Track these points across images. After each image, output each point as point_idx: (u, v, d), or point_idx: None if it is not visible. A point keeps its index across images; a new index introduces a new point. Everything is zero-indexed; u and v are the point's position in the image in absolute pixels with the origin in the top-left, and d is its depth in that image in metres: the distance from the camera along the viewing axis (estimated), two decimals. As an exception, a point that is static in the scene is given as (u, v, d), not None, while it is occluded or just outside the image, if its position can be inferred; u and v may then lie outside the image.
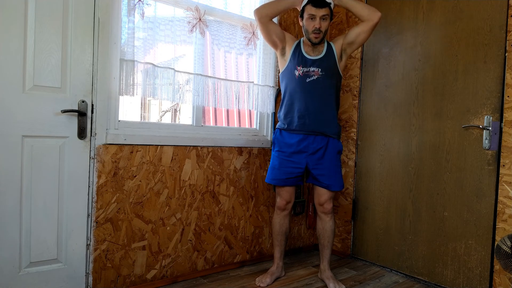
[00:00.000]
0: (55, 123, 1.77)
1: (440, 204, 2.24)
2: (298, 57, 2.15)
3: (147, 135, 2.06)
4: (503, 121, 1.98)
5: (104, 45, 1.87)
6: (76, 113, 1.82)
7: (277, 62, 2.43)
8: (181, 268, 2.22)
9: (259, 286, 2.18)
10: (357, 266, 2.57)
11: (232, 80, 2.42)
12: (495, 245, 1.88)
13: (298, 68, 2.14)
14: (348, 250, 2.77)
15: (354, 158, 2.74)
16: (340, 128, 2.22)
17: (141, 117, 6.00)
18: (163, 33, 2.09)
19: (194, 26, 2.19)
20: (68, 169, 1.82)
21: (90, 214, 1.89)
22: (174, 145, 2.15)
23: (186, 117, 5.45)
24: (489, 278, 2.03)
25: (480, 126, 2.05)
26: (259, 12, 2.11)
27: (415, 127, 2.37)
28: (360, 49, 2.67)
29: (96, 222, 1.90)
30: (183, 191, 2.19)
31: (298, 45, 2.19)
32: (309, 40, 2.13)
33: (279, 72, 2.34)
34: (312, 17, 2.06)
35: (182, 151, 2.18)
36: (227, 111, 5.05)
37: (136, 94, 2.00)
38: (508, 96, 1.96)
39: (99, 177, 1.89)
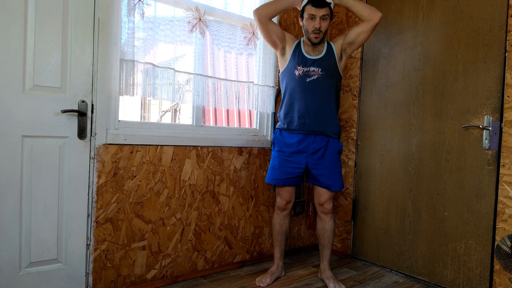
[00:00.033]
0: (55, 123, 1.77)
1: (440, 204, 2.24)
2: (298, 57, 2.15)
3: (147, 135, 2.06)
4: (503, 121, 1.98)
5: (104, 45, 1.87)
6: (76, 113, 1.82)
7: (277, 62, 2.44)
8: (181, 268, 2.22)
9: (259, 286, 2.18)
10: (357, 266, 2.57)
11: (232, 80, 2.42)
12: (495, 245, 1.88)
13: (298, 68, 2.14)
14: (348, 250, 2.77)
15: (354, 158, 2.74)
16: (340, 128, 2.22)
17: (141, 117, 6.00)
18: (163, 33, 2.09)
19: (194, 26, 2.19)
20: (68, 169, 1.82)
21: (90, 214, 1.89)
22: (174, 145, 2.15)
23: (186, 117, 5.45)
24: (489, 278, 2.03)
25: (480, 126, 2.05)
26: (258, 12, 2.11)
27: (415, 127, 2.37)
28: (360, 49, 2.67)
29: (96, 222, 1.90)
30: (183, 191, 2.19)
31: (298, 45, 2.19)
32: (309, 40, 2.13)
33: (279, 72, 2.34)
34: (312, 17, 2.06)
35: (182, 151, 2.18)
36: (227, 111, 5.05)
37: (136, 94, 2.00)
38: (508, 96, 1.96)
39: (99, 177, 1.89)
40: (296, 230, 2.83)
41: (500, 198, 1.98)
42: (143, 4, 1.97)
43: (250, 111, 2.94)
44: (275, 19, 2.53)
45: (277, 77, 2.57)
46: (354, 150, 2.74)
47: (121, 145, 1.95)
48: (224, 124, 5.09)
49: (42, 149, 1.75)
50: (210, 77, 2.30)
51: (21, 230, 1.72)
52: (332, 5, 2.09)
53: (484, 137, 2.04)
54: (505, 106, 1.97)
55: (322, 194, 2.19)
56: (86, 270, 1.90)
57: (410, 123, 2.40)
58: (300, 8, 2.13)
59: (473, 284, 2.09)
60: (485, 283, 2.04)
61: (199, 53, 2.24)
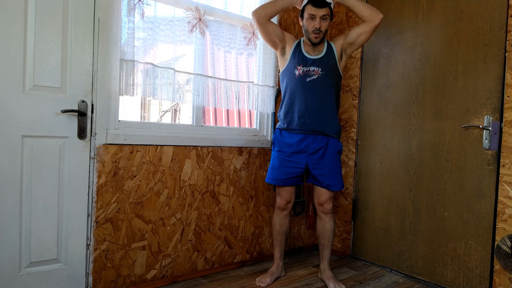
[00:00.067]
0: (55, 123, 1.77)
1: (440, 204, 2.24)
2: (298, 57, 2.15)
3: (147, 135, 2.06)
4: (503, 121, 1.98)
5: (104, 45, 1.87)
6: (76, 113, 1.82)
7: (277, 62, 2.44)
8: (181, 268, 2.22)
9: (259, 286, 2.18)
10: (357, 266, 2.57)
11: (232, 80, 2.42)
12: (495, 245, 1.88)
13: (298, 67, 2.14)
14: (348, 250, 2.77)
15: (354, 158, 2.74)
16: (340, 128, 2.22)
17: (141, 117, 5.99)
18: (163, 33, 2.09)
19: (194, 26, 2.19)
20: (68, 169, 1.82)
21: (90, 214, 1.89)
22: (174, 145, 2.15)
23: (186, 117, 5.45)
24: (489, 278, 2.03)
25: (480, 126, 2.05)
26: (257, 13, 2.11)
27: (415, 127, 2.37)
28: (360, 49, 2.67)
29: (96, 222, 1.90)
30: (183, 191, 2.19)
31: (298, 44, 2.19)
32: (309, 40, 2.13)
33: (279, 72, 2.34)
34: (312, 17, 2.06)
35: (182, 151, 2.18)
36: (227, 111, 5.05)
37: (136, 94, 2.00)
38: (508, 96, 1.96)
39: (99, 177, 1.89)
40: (296, 230, 2.83)
41: (500, 198, 1.98)
42: (143, 4, 1.97)
43: (250, 111, 2.94)
44: (275, 19, 2.53)
45: (277, 77, 2.57)
46: (354, 150, 2.74)
47: (121, 145, 1.95)
48: (224, 124, 5.09)
49: (42, 149, 1.75)
50: (210, 77, 2.30)
51: (21, 230, 1.72)
52: (332, 5, 2.09)
53: (484, 137, 2.04)
54: (505, 106, 1.97)
55: (322, 194, 2.19)
56: (86, 270, 1.90)
57: (410, 123, 2.40)
58: (299, 7, 2.13)
59: (473, 284, 2.09)
60: (485, 283, 2.04)
61: (199, 53, 2.24)
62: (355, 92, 2.73)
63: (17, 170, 1.69)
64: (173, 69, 2.11)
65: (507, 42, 1.96)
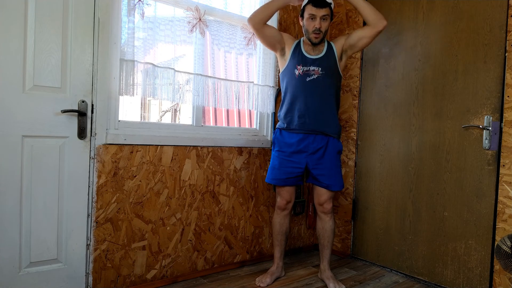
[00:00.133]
0: (55, 123, 1.77)
1: (440, 204, 2.24)
2: (298, 56, 2.15)
3: (147, 135, 2.06)
4: (503, 121, 1.98)
5: (104, 45, 1.87)
6: (76, 113, 1.82)
7: (277, 62, 2.44)
8: (181, 268, 2.22)
9: (259, 286, 2.18)
10: (357, 266, 2.57)
11: (232, 80, 2.42)
12: (495, 245, 1.88)
13: (298, 67, 2.14)
14: (348, 250, 2.77)
15: (354, 158, 2.74)
16: (340, 127, 2.22)
17: (141, 117, 6.00)
18: (163, 33, 2.09)
19: (194, 26, 2.19)
20: (68, 169, 1.82)
21: (90, 214, 1.89)
22: (174, 145, 2.15)
23: (186, 117, 5.45)
24: (489, 278, 2.03)
25: (480, 126, 2.05)
26: (252, 20, 2.10)
27: (415, 127, 2.37)
28: (360, 49, 2.68)
29: (96, 222, 1.90)
30: (183, 191, 2.19)
31: (298, 44, 2.19)
32: (309, 40, 2.13)
33: (279, 72, 2.34)
34: (312, 17, 2.07)
35: (182, 151, 2.18)
36: (227, 111, 5.05)
37: (136, 94, 2.00)
38: (508, 96, 1.96)
39: (99, 177, 1.89)
40: (296, 230, 2.83)
41: (500, 198, 1.98)
42: (143, 4, 1.97)
43: (250, 111, 2.94)
44: (274, 19, 2.53)
45: (277, 77, 2.57)
46: (354, 150, 2.74)
47: (121, 145, 1.95)
48: (224, 124, 5.09)
49: (42, 149, 1.75)
50: (210, 77, 2.30)
51: (21, 230, 1.72)
52: (332, 5, 2.09)
53: (484, 137, 2.04)
54: (505, 106, 1.97)
55: (322, 194, 2.19)
56: (86, 270, 1.90)
57: (410, 123, 2.40)
58: (293, 4, 2.15)
59: (473, 284, 2.09)
60: (485, 283, 2.04)
61: (199, 53, 2.25)
62: (355, 92, 2.73)
63: (17, 170, 1.69)
64: (173, 69, 2.11)
65: (507, 42, 1.96)
